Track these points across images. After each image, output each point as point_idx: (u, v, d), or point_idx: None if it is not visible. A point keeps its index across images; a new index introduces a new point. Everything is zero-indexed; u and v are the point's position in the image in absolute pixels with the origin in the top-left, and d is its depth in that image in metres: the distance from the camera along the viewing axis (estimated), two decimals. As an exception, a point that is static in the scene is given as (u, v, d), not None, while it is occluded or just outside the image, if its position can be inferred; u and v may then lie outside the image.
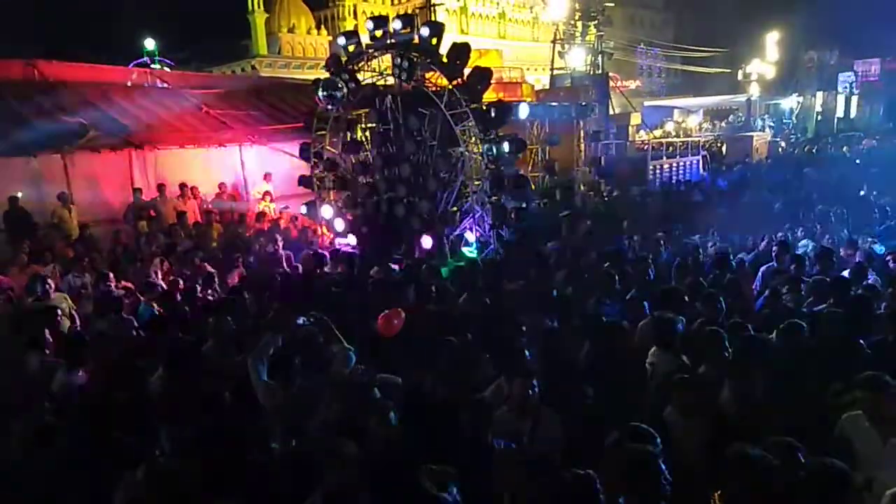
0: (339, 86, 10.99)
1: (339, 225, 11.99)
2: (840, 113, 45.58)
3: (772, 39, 45.79)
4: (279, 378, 4.43)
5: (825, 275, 6.94)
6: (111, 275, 8.17)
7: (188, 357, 5.12)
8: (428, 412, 4.12)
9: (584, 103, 17.00)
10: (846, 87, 47.04)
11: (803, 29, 47.02)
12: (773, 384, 4.49)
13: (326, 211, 12.21)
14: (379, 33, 10.85)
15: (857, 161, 21.97)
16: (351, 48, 11.40)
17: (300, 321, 4.84)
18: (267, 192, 13.69)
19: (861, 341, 4.88)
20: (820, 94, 44.69)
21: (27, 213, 10.90)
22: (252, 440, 3.80)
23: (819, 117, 43.72)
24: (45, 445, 4.06)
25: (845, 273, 7.00)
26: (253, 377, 4.44)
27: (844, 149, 27.84)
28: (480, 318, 5.96)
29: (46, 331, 5.88)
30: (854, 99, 47.05)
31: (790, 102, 42.19)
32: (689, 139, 23.61)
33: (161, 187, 12.61)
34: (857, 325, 5.08)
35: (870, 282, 6.81)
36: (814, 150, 28.76)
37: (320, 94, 11.11)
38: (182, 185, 12.85)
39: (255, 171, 14.61)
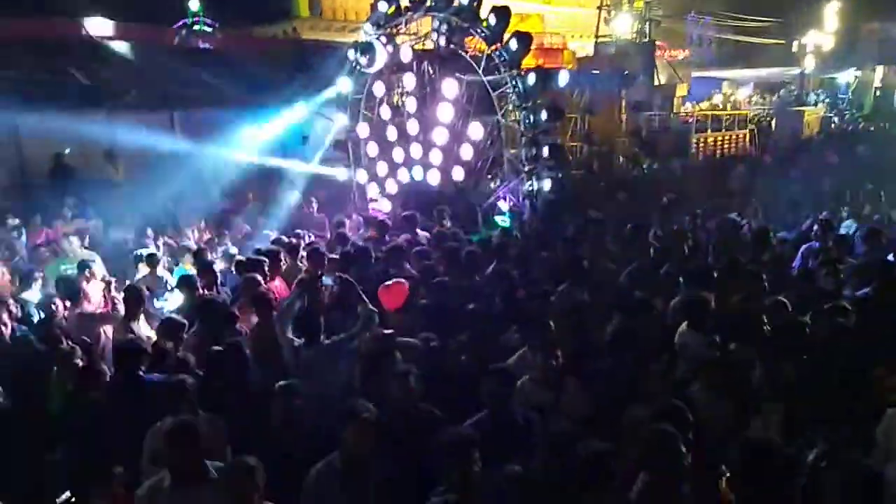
0: (376, 48, 10.86)
1: (373, 190, 11.99)
2: (902, 89, 43.43)
3: (831, 8, 43.52)
4: (304, 336, 4.47)
5: (873, 256, 6.68)
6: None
7: (219, 315, 5.23)
8: (449, 380, 4.12)
9: (627, 72, 16.52)
10: (910, 61, 44.69)
11: (866, -2, 44.61)
12: (808, 369, 4.36)
13: (361, 175, 12.21)
14: (419, -5, 10.64)
15: None
16: (391, 11, 11.22)
17: (327, 281, 4.87)
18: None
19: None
20: (880, 69, 42.52)
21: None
22: (275, 398, 3.85)
23: (878, 93, 41.68)
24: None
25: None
26: (279, 335, 4.49)
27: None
28: (508, 287, 5.90)
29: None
30: (918, 74, 44.72)
31: (847, 77, 40.27)
32: (737, 112, 22.77)
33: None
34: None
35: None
36: (870, 128, 27.52)
37: (356, 55, 11.00)
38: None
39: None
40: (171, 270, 7.84)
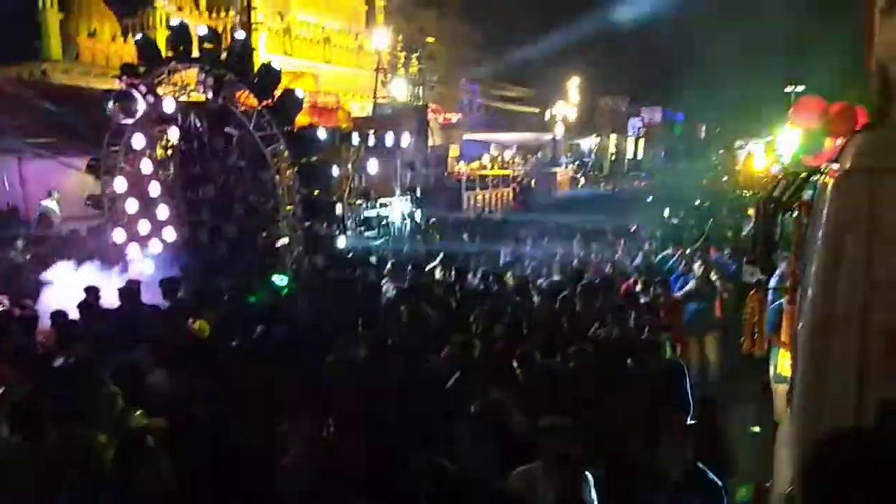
0: (136, 98, 10.07)
1: (134, 251, 10.90)
2: (630, 154, 51.63)
3: (573, 84, 50.62)
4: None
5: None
6: None
7: None
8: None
9: (401, 132, 17.34)
10: (635, 131, 53.54)
11: (599, 77, 52.66)
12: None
13: (119, 235, 11.05)
14: (182, 47, 10.15)
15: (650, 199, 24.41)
16: (151, 59, 10.53)
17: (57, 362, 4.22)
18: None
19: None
20: (613, 137, 50.26)
21: None
22: None
23: (613, 157, 49.05)
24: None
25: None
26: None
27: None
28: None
29: None
30: (641, 142, 53.62)
31: (589, 142, 46.86)
32: (501, 173, 25.13)
33: None
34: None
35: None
36: (613, 188, 32.18)
37: (112, 105, 10.09)
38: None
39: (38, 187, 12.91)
40: None
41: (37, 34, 34.16)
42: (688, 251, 9.71)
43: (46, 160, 12.95)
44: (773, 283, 5.51)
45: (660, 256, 10.55)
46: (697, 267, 8.34)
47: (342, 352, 5.66)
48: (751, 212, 11.93)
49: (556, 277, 9.38)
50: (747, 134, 41.44)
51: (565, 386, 4.77)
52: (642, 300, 7.66)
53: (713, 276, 8.15)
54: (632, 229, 13.90)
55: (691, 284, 8.19)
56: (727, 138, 48.51)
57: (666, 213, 16.38)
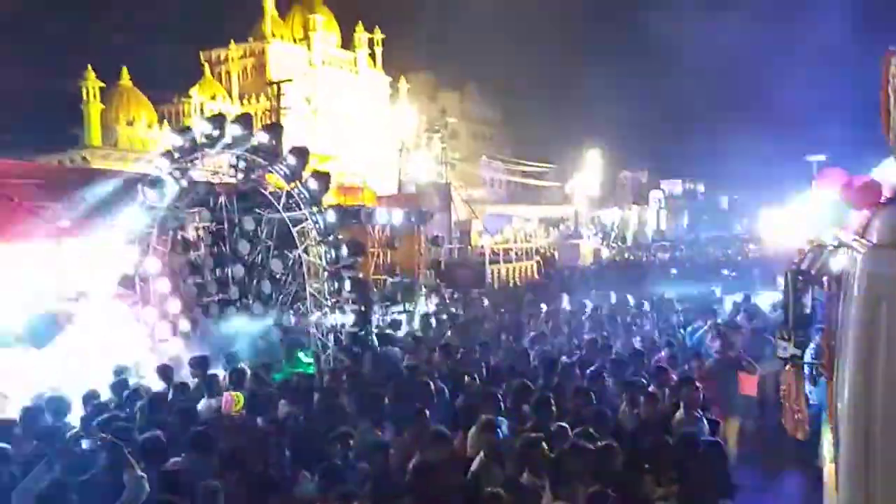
0: (166, 182, 10.46)
1: (163, 330, 11.04)
2: (653, 225, 51.78)
3: (593, 158, 51.47)
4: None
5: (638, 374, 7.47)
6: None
7: None
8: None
9: (424, 209, 17.69)
10: (657, 203, 53.90)
11: (618, 151, 53.58)
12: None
13: (150, 314, 11.22)
14: (216, 133, 10.61)
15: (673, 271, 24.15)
16: (185, 145, 11.01)
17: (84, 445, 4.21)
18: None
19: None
20: (635, 208, 50.60)
21: None
22: None
23: (636, 228, 49.22)
24: None
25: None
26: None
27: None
28: (303, 431, 5.62)
29: None
30: (663, 213, 53.86)
31: (611, 214, 47.15)
32: (525, 246, 25.27)
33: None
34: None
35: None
36: (635, 258, 32.05)
37: (145, 189, 10.49)
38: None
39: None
40: None
41: (80, 123, 36.12)
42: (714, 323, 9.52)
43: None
44: (808, 357, 5.35)
45: (689, 329, 10.36)
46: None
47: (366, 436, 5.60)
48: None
49: (584, 352, 9.23)
50: (768, 203, 41.42)
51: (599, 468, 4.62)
52: (673, 375, 7.48)
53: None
54: (658, 300, 13.72)
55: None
56: (750, 207, 48.47)
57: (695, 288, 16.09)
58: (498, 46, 54.08)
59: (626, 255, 34.52)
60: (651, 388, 6.54)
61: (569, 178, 49.14)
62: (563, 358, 8.57)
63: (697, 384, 6.30)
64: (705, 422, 5.99)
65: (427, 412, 5.97)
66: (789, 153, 39.28)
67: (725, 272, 21.28)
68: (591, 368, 8.10)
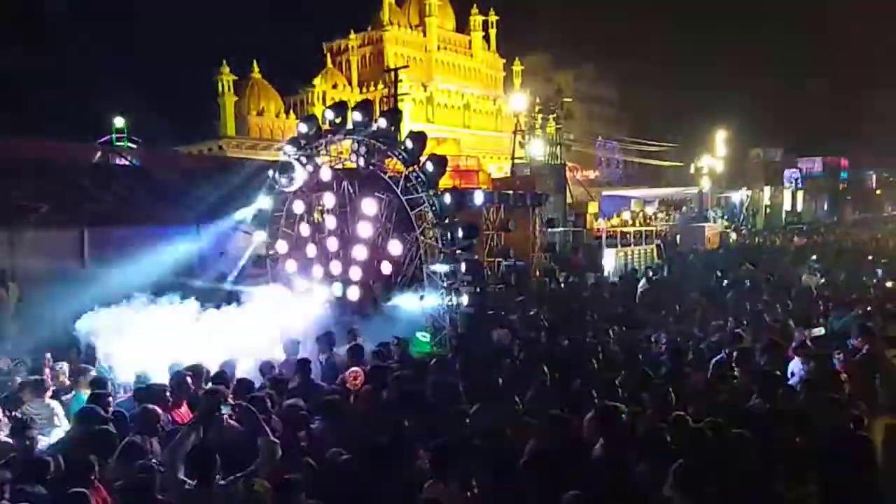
0: (295, 168, 11.04)
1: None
2: (787, 206, 47.91)
3: (720, 137, 48.38)
4: (196, 475, 4.10)
5: (772, 367, 6.98)
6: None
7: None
8: None
9: (539, 192, 17.46)
10: (791, 183, 49.78)
11: (748, 128, 50.02)
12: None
13: (280, 292, 11.96)
14: (338, 120, 11.06)
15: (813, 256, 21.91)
16: (311, 132, 11.56)
17: (223, 411, 4.57)
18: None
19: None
20: (767, 189, 47.01)
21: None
22: None
23: (768, 210, 45.77)
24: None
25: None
26: (168, 473, 4.11)
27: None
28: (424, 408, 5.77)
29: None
30: (800, 194, 49.67)
31: (740, 195, 44.15)
32: (644, 228, 24.30)
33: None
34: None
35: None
36: (766, 241, 29.88)
37: (275, 175, 11.14)
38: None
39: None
40: (56, 398, 7.18)
41: (216, 115, 38.98)
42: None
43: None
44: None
45: (833, 318, 9.56)
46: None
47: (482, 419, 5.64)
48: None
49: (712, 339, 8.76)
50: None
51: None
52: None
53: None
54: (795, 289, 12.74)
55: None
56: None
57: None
58: (616, 24, 52.11)
59: (755, 239, 32.27)
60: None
61: (693, 158, 46.61)
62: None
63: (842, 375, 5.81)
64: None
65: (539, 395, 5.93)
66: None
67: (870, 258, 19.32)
68: (718, 357, 7.74)
